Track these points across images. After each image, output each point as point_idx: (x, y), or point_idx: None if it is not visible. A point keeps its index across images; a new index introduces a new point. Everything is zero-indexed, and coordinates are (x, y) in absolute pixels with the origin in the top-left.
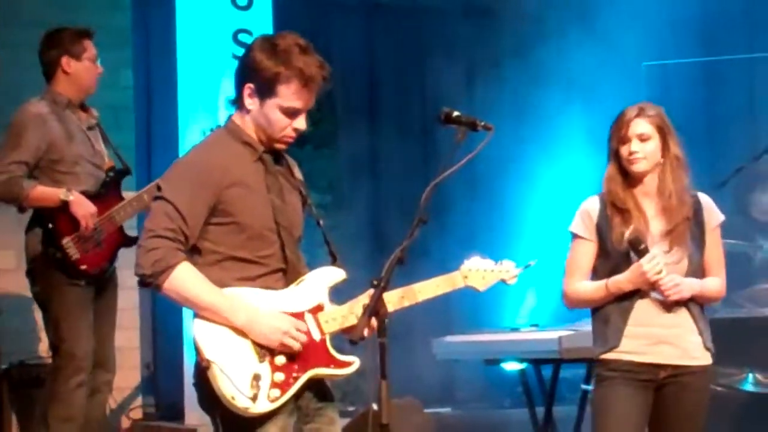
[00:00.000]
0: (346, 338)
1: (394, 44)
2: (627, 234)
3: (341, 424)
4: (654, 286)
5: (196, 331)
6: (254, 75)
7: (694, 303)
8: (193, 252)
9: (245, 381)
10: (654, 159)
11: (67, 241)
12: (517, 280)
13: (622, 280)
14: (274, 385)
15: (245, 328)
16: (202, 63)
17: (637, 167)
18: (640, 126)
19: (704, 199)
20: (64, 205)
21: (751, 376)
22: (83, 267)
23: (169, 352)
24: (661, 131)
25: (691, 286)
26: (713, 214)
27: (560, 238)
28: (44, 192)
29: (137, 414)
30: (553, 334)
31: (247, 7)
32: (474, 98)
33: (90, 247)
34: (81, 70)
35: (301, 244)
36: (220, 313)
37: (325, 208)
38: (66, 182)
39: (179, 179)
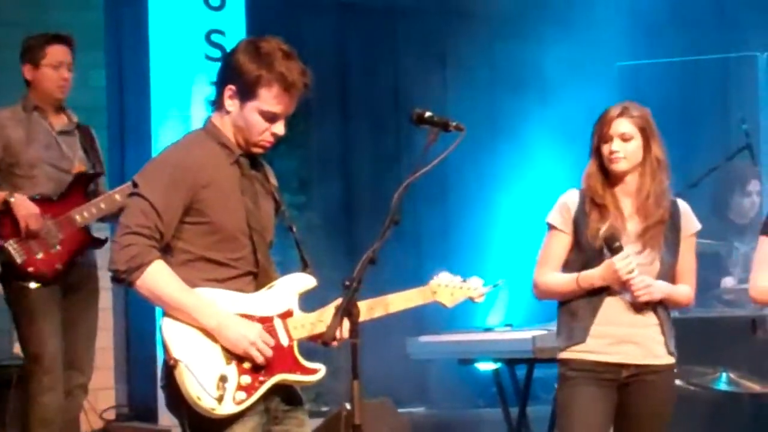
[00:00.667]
0: (318, 342)
1: (367, 44)
2: (602, 230)
3: (314, 424)
4: (624, 285)
5: (165, 330)
6: (236, 77)
7: (662, 307)
8: (164, 251)
9: (211, 382)
10: (634, 159)
11: (10, 244)
12: (484, 298)
13: (593, 276)
14: (240, 387)
15: (214, 332)
16: (174, 63)
17: (617, 167)
18: (623, 125)
19: (683, 205)
20: (7, 207)
21: (724, 375)
22: (30, 269)
23: (143, 353)
24: (644, 132)
25: (661, 289)
26: (690, 222)
27: (533, 238)
28: None
29: (110, 415)
30: (526, 334)
31: (220, 8)
32: (447, 98)
33: (40, 249)
34: (39, 77)
35: (271, 248)
36: (191, 313)
37: (298, 207)
38: (24, 186)
39: (156, 176)
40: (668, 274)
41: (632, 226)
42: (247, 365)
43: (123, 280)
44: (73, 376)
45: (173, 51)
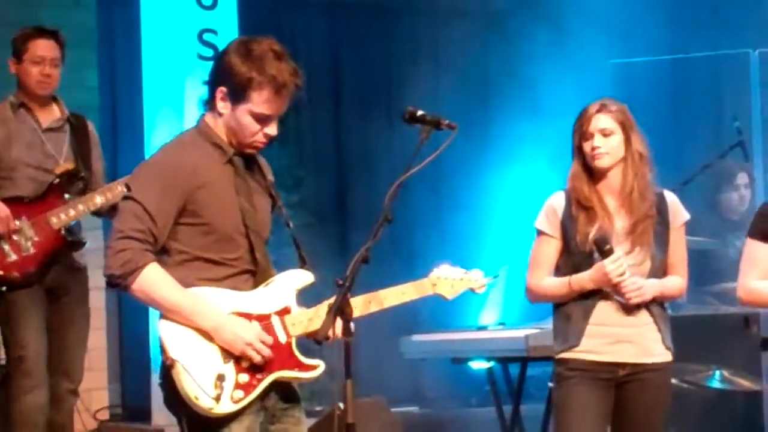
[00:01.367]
0: (311, 340)
1: (359, 42)
2: (592, 233)
3: (308, 423)
4: (615, 288)
5: (162, 330)
6: (227, 79)
7: (655, 302)
8: (160, 252)
9: (209, 381)
10: (617, 154)
11: None
12: (485, 289)
13: (584, 279)
14: (238, 386)
15: (212, 333)
16: (167, 63)
17: (601, 162)
18: (602, 121)
19: (670, 196)
20: None
21: (718, 373)
22: (0, 272)
23: (136, 353)
24: (624, 127)
25: (653, 288)
26: (678, 213)
27: (526, 237)
28: None
29: (104, 415)
30: (519, 333)
31: (212, 7)
32: (439, 96)
33: (12, 252)
34: (20, 72)
35: (267, 244)
36: (188, 315)
37: (291, 206)
38: (4, 186)
39: (148, 179)
40: (659, 270)
41: (620, 223)
42: (244, 364)
43: (118, 284)
44: (62, 381)
45: (165, 50)
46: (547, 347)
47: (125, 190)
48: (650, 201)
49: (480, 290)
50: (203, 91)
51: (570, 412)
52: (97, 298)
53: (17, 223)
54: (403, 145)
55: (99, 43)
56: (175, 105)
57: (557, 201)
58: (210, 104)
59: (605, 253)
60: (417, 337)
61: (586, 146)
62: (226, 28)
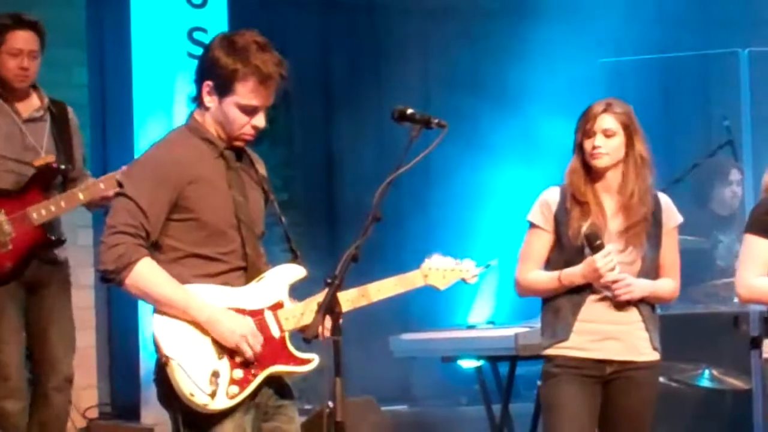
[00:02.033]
0: (301, 336)
1: (349, 41)
2: (584, 228)
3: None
4: (605, 284)
5: (156, 327)
6: (212, 72)
7: (645, 304)
8: (153, 248)
9: (204, 377)
10: (617, 156)
11: None
12: (477, 279)
13: (575, 273)
14: (233, 381)
15: (205, 326)
16: (157, 61)
17: (599, 162)
18: (606, 121)
19: (664, 199)
20: None
21: (707, 371)
22: None
23: (125, 352)
24: (627, 129)
25: (643, 288)
26: (672, 215)
27: (517, 233)
28: None
29: (93, 413)
30: (509, 332)
31: (202, 5)
32: (429, 95)
33: None
34: None
35: (262, 240)
36: (182, 309)
37: (281, 205)
38: None
39: (140, 176)
40: (651, 270)
41: (614, 224)
42: (239, 359)
43: (112, 279)
44: (47, 378)
45: (155, 48)
46: (537, 346)
47: (103, 186)
48: (649, 205)
49: (472, 280)
50: (193, 89)
51: (557, 409)
52: (86, 297)
53: None
54: (393, 144)
55: (88, 40)
56: (165, 103)
57: (551, 195)
58: (198, 100)
59: (596, 248)
60: (406, 336)
61: (587, 144)
62: (216, 26)
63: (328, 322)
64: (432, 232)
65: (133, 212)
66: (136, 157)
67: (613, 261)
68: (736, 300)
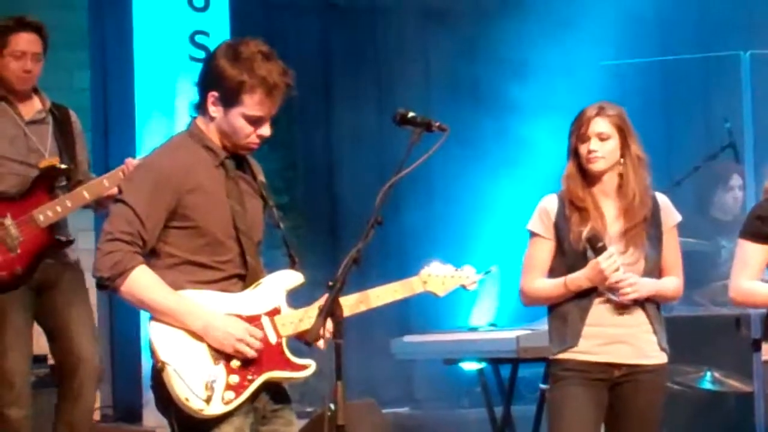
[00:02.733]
0: (302, 341)
1: (350, 44)
2: (585, 232)
3: (299, 425)
4: (610, 286)
5: (152, 333)
6: (217, 83)
7: (651, 303)
8: (150, 255)
9: (199, 383)
10: (612, 158)
11: None
12: (477, 286)
13: (580, 277)
14: (229, 387)
15: (201, 333)
16: (159, 64)
17: (596, 166)
18: (600, 125)
19: (661, 198)
20: None
21: (709, 374)
22: None
23: (127, 354)
24: (621, 131)
25: (648, 287)
26: (670, 215)
27: (519, 238)
28: None
29: (95, 416)
30: (511, 334)
31: (204, 9)
32: (430, 98)
33: None
34: (0, 66)
35: (260, 247)
36: (177, 317)
37: (282, 209)
38: None
39: (139, 182)
40: (654, 270)
41: (614, 227)
42: (235, 364)
43: (107, 286)
44: (75, 375)
45: (157, 52)
46: (539, 348)
47: (107, 184)
48: (648, 205)
49: (471, 287)
50: (195, 93)
51: (565, 412)
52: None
53: (3, 221)
54: (394, 148)
55: (91, 44)
56: (167, 107)
57: (550, 203)
58: (201, 108)
59: (598, 251)
60: (408, 338)
61: (582, 149)
62: (218, 30)
63: (329, 325)
64: (434, 235)
65: (130, 219)
66: (88, 160)
67: (617, 262)
68: None
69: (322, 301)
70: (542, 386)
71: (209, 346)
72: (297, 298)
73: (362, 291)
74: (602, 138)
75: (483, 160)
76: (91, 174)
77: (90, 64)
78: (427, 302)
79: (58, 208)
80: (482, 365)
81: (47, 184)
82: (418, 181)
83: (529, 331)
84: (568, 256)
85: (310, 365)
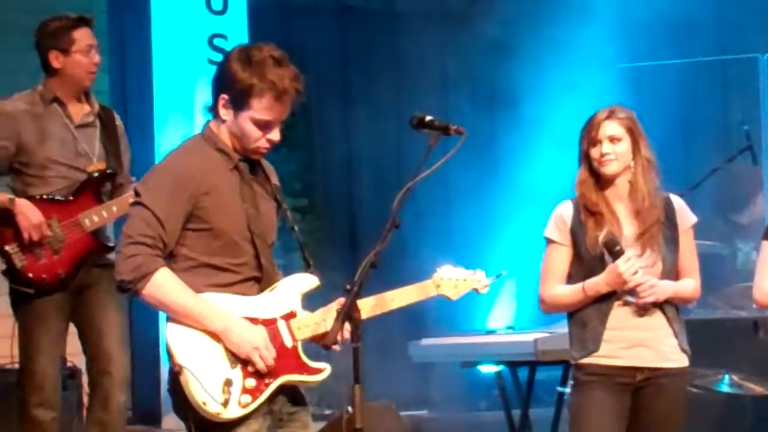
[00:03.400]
0: (320, 345)
1: (367, 47)
2: (601, 237)
3: (317, 427)
4: (630, 288)
5: (169, 336)
6: (228, 86)
7: (670, 305)
8: (168, 258)
9: (217, 386)
10: (625, 160)
11: (12, 248)
12: (489, 289)
13: (598, 282)
14: (246, 390)
15: (221, 335)
16: (177, 67)
17: (608, 169)
18: (611, 128)
19: (676, 200)
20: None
21: (727, 377)
22: (29, 275)
23: (146, 357)
24: (632, 133)
25: (666, 288)
26: (686, 216)
27: (536, 241)
28: None
29: None
30: (528, 337)
31: (223, 12)
32: (448, 100)
33: (43, 254)
34: (70, 65)
35: (273, 249)
36: (198, 319)
37: (301, 211)
38: (35, 184)
39: (157, 185)
40: (671, 272)
41: (629, 230)
42: (251, 368)
43: (129, 289)
44: (105, 377)
45: (176, 55)
46: (557, 351)
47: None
48: (659, 207)
49: (483, 290)
50: (210, 98)
51: (587, 417)
52: None
53: (50, 222)
54: (412, 151)
55: (110, 47)
56: (185, 109)
57: (565, 210)
58: (213, 111)
59: (616, 254)
60: (426, 341)
61: (594, 152)
62: (237, 33)
63: (346, 328)
64: (451, 237)
65: (150, 222)
66: (156, 162)
67: (635, 265)
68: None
69: (337, 303)
70: (560, 389)
71: (226, 349)
72: (315, 300)
73: (377, 294)
74: (613, 141)
75: (500, 160)
76: (132, 177)
77: (109, 67)
78: (444, 305)
79: (104, 213)
80: (500, 368)
81: (94, 188)
82: (436, 185)
83: (547, 334)
84: (586, 262)
85: (325, 369)
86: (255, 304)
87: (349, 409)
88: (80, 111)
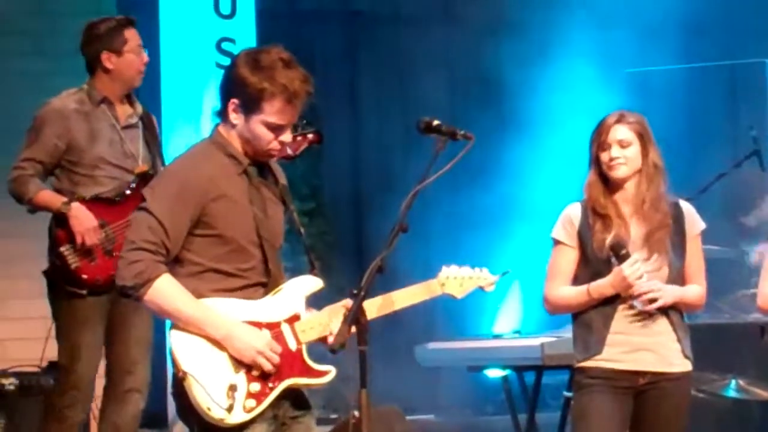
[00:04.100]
0: (326, 348)
1: (375, 51)
2: (608, 240)
3: (323, 431)
4: (634, 294)
5: (173, 342)
6: (239, 91)
7: (674, 310)
8: (174, 262)
9: (221, 392)
10: (635, 165)
11: (66, 249)
12: (494, 287)
13: (603, 285)
14: (250, 395)
15: (223, 342)
16: (185, 72)
17: (618, 173)
18: (621, 132)
19: (686, 206)
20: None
21: (734, 382)
22: (83, 276)
23: (153, 361)
24: (641, 138)
25: (673, 293)
26: (695, 222)
27: (543, 245)
28: (46, 199)
29: None
30: (535, 341)
31: (231, 16)
32: (456, 106)
33: (96, 256)
34: (123, 65)
35: (281, 251)
36: (199, 326)
37: (308, 215)
38: (85, 184)
39: (164, 191)
40: (678, 278)
41: (635, 232)
42: (255, 373)
43: (130, 295)
44: (124, 380)
45: (184, 59)
46: (563, 355)
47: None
48: (663, 211)
49: (489, 288)
50: (218, 102)
51: (589, 420)
52: None
53: (103, 224)
54: (420, 154)
55: None
56: (194, 113)
57: (573, 211)
58: (222, 115)
59: (622, 258)
60: (432, 346)
61: (604, 156)
62: (245, 37)
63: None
64: (458, 242)
65: (154, 228)
66: (164, 165)
67: (640, 269)
68: None
69: (341, 306)
70: (566, 393)
71: (230, 354)
72: (321, 304)
73: (383, 294)
74: (623, 145)
75: (510, 164)
76: None
77: None
78: (451, 309)
79: None
80: (507, 372)
81: (140, 191)
82: (444, 187)
83: (553, 338)
84: (592, 264)
85: (330, 371)
86: (258, 308)
87: (356, 413)
88: (125, 112)
